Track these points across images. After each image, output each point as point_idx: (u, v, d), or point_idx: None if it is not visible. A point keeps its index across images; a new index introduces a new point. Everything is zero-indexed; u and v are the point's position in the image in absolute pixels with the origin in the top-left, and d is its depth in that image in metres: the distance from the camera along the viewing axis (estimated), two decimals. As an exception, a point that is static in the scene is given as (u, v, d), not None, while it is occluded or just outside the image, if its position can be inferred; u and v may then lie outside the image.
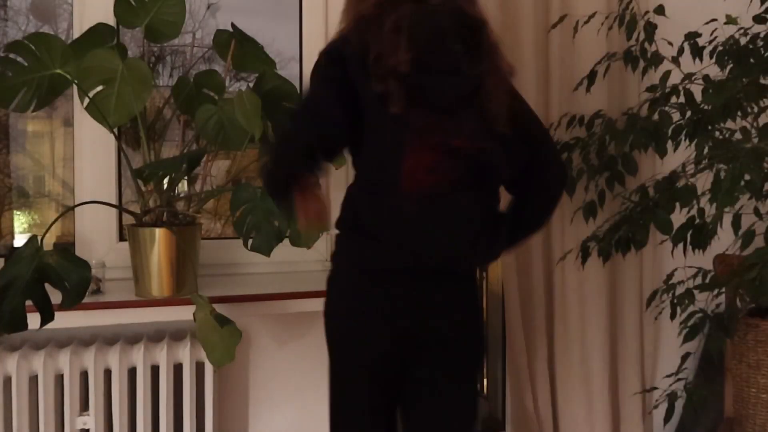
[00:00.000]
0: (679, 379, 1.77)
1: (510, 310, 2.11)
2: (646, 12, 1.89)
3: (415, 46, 1.24)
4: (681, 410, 2.06)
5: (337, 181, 2.13)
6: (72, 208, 1.87)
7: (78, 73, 1.55)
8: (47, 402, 1.69)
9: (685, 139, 1.72)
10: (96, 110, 1.54)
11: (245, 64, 1.84)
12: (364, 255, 1.30)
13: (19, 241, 2.13)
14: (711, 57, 1.80)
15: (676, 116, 1.75)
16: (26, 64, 1.53)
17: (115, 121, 1.55)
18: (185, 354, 1.78)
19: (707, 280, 1.73)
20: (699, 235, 1.55)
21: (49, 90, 1.57)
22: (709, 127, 1.66)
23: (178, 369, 1.79)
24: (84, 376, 1.74)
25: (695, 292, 1.69)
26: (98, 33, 1.66)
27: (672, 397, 1.74)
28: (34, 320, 1.31)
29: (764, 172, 1.42)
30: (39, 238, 1.36)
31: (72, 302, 1.34)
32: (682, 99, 1.76)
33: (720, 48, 1.79)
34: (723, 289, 1.86)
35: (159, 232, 1.63)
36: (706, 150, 1.60)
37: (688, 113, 1.73)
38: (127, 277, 1.73)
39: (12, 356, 1.68)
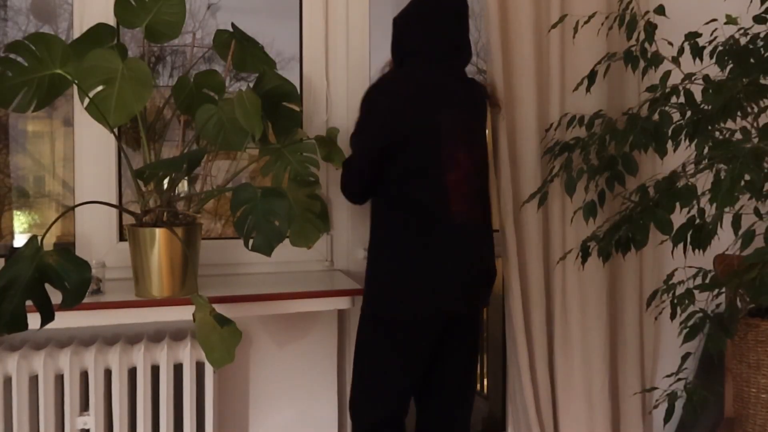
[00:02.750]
0: (679, 379, 1.77)
1: (510, 310, 2.11)
2: (647, 12, 1.89)
3: None
4: (681, 410, 2.06)
5: (336, 181, 2.13)
6: (72, 208, 1.87)
7: (78, 73, 1.54)
8: (47, 402, 1.69)
9: (685, 139, 1.72)
10: (96, 110, 1.54)
11: (245, 64, 1.84)
12: None
13: (19, 241, 2.13)
14: (711, 57, 1.80)
15: (676, 116, 1.75)
16: (26, 64, 1.53)
17: (115, 121, 1.54)
18: (185, 354, 1.78)
19: (707, 280, 1.73)
20: (699, 235, 1.55)
21: (49, 90, 1.57)
22: (709, 127, 1.66)
23: (178, 369, 1.79)
24: (84, 376, 1.74)
25: (695, 292, 1.69)
26: (98, 33, 1.65)
27: (672, 397, 1.74)
28: (34, 320, 1.31)
29: (764, 172, 1.42)
30: (39, 238, 1.36)
31: (72, 302, 1.34)
32: (682, 99, 1.76)
33: (720, 48, 1.79)
34: (723, 289, 1.86)
35: (159, 232, 1.62)
36: (706, 150, 1.60)
37: (688, 113, 1.73)
38: (127, 277, 1.73)
39: (12, 356, 1.68)
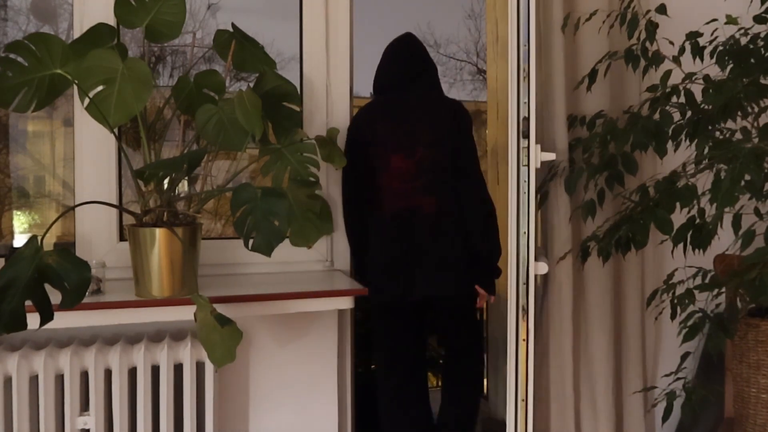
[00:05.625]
0: (678, 379, 1.77)
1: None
2: (648, 11, 1.89)
3: None
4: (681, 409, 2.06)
5: (336, 181, 2.13)
6: (72, 208, 1.87)
7: (78, 73, 1.54)
8: (47, 402, 1.69)
9: (685, 139, 1.72)
10: (96, 110, 1.54)
11: (245, 64, 1.84)
12: None
13: (19, 241, 2.13)
14: (711, 57, 1.80)
15: (676, 116, 1.75)
16: (26, 64, 1.53)
17: (115, 121, 1.55)
18: (185, 354, 1.78)
19: (707, 280, 1.73)
20: (699, 235, 1.55)
21: (49, 90, 1.57)
22: (710, 127, 1.66)
23: (178, 369, 1.79)
24: (84, 376, 1.74)
25: (695, 292, 1.69)
26: (98, 33, 1.65)
27: (670, 397, 1.74)
28: (34, 320, 1.31)
29: (764, 172, 1.42)
30: (39, 238, 1.36)
31: (72, 302, 1.34)
32: (682, 99, 1.76)
33: (720, 48, 1.79)
34: (723, 289, 1.86)
35: (159, 232, 1.62)
36: (706, 150, 1.60)
37: (689, 113, 1.73)
38: (127, 277, 1.73)
39: (12, 356, 1.68)
